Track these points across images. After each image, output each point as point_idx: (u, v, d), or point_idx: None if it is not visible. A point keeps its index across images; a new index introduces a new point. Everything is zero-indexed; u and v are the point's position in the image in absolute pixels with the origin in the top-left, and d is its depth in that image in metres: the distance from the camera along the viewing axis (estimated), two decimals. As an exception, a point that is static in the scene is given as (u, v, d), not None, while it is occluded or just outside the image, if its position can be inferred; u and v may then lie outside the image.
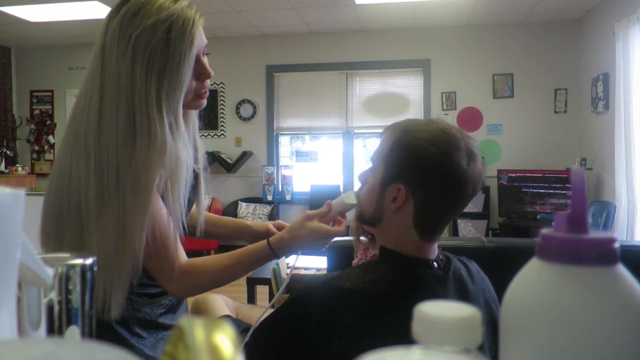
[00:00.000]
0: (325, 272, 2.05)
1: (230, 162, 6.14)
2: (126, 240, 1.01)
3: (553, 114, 5.76)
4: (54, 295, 0.48)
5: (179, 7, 1.03)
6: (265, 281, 2.89)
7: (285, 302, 0.98)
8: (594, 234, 0.35)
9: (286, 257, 3.09)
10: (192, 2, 1.08)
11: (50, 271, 0.47)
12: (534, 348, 0.34)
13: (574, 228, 0.35)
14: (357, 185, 1.12)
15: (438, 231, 0.98)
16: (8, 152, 6.60)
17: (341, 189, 6.15)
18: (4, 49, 6.74)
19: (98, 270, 0.99)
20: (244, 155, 6.20)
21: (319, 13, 5.43)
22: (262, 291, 3.23)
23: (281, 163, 6.43)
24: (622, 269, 0.34)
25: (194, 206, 1.34)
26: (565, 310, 0.33)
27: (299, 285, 0.99)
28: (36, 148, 6.86)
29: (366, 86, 6.20)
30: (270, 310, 1.13)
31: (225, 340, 0.27)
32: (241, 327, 1.42)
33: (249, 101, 6.32)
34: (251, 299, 2.96)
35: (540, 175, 5.26)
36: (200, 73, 1.09)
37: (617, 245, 0.35)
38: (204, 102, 1.16)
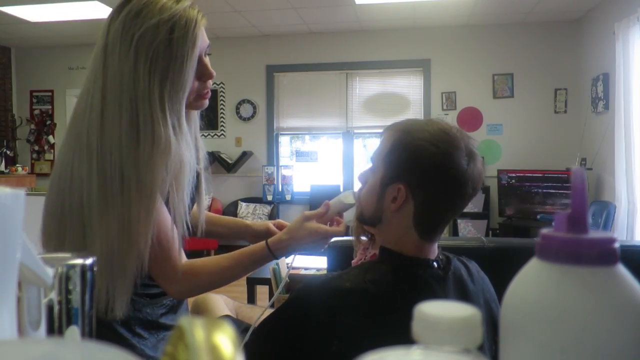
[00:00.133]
0: (325, 272, 2.06)
1: (230, 162, 6.14)
2: (131, 240, 1.01)
3: (553, 114, 5.76)
4: (54, 295, 0.48)
5: (182, 7, 1.03)
6: (265, 281, 2.89)
7: (285, 302, 0.98)
8: (594, 234, 0.35)
9: (286, 257, 3.10)
10: (194, 2, 1.08)
11: (50, 271, 0.47)
12: (534, 348, 0.34)
13: (574, 228, 0.35)
14: (357, 186, 1.12)
15: (438, 231, 0.98)
16: (8, 152, 6.60)
17: (341, 189, 6.14)
18: (4, 49, 6.74)
19: (101, 271, 1.00)
20: (244, 155, 6.20)
21: (319, 13, 5.43)
22: (262, 291, 3.23)
23: (281, 163, 6.43)
24: (622, 269, 0.34)
25: (195, 206, 1.34)
26: (565, 310, 0.33)
27: (299, 286, 0.99)
28: (36, 148, 6.86)
29: (366, 86, 6.20)
30: (270, 310, 1.14)
31: (225, 340, 0.27)
32: (241, 327, 1.42)
33: (249, 101, 6.32)
34: (251, 299, 2.96)
35: (540, 175, 5.26)
36: (203, 73, 1.09)
37: (617, 245, 0.35)
38: (206, 102, 1.16)
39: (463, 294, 0.97)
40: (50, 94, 6.85)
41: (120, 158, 1.01)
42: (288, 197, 6.17)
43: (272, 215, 5.96)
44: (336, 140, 6.37)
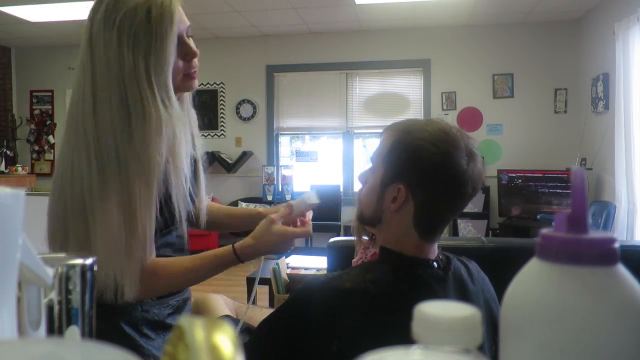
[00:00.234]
0: (325, 272, 2.06)
1: (230, 162, 6.15)
2: (133, 219, 1.02)
3: (553, 114, 5.76)
4: (54, 295, 0.48)
5: None
6: (265, 281, 2.90)
7: (285, 302, 0.98)
8: (594, 234, 0.35)
9: (286, 257, 3.09)
10: None
11: (50, 271, 0.47)
12: (534, 348, 0.34)
13: (574, 228, 0.35)
14: (357, 186, 1.12)
15: (438, 231, 0.98)
16: (8, 152, 6.60)
17: (341, 189, 6.15)
18: (4, 49, 6.74)
19: (106, 257, 1.00)
20: (244, 155, 6.20)
21: (319, 13, 5.43)
22: (262, 291, 3.23)
23: (281, 163, 6.43)
24: (622, 269, 0.34)
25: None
26: (565, 310, 0.33)
27: (299, 286, 0.99)
28: (36, 148, 6.86)
29: (366, 86, 6.21)
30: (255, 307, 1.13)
31: (225, 340, 0.27)
32: (241, 327, 1.42)
33: (249, 101, 6.32)
34: (251, 299, 2.96)
35: (540, 175, 5.27)
36: (186, 52, 1.12)
37: (617, 245, 0.35)
38: (195, 82, 1.18)
39: (463, 294, 0.97)
40: (50, 94, 6.85)
41: (115, 139, 1.03)
42: (288, 197, 6.17)
43: (272, 215, 5.96)
44: (336, 140, 6.37)
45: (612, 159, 4.40)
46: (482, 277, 1.06)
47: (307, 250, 5.80)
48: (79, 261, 0.50)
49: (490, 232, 5.53)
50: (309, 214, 1.24)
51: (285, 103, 6.36)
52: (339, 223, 5.88)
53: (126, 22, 1.05)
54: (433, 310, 0.32)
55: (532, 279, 0.36)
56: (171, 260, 1.14)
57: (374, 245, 1.07)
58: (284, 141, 6.53)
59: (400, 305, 0.86)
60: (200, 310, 1.58)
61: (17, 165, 6.48)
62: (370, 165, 1.04)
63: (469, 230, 5.52)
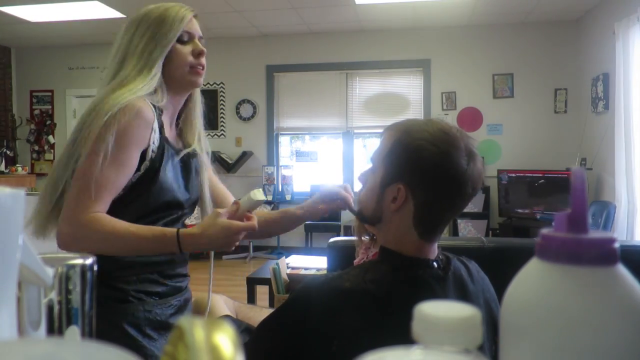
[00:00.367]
0: (325, 272, 2.06)
1: (230, 162, 6.15)
2: (89, 171, 1.12)
3: (553, 114, 5.76)
4: (54, 295, 0.48)
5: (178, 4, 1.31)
6: (265, 281, 2.90)
7: (285, 302, 0.98)
8: (594, 234, 0.35)
9: (286, 257, 3.09)
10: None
11: (50, 271, 0.47)
12: (534, 348, 0.34)
13: (574, 228, 0.35)
14: (357, 186, 1.12)
15: (438, 231, 0.98)
16: (8, 152, 6.60)
17: (341, 189, 6.13)
18: (4, 49, 6.74)
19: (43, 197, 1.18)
20: (244, 155, 6.20)
21: (319, 13, 5.43)
22: (262, 291, 3.23)
23: (281, 163, 6.43)
24: (622, 269, 0.34)
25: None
26: (565, 310, 0.33)
27: (299, 286, 0.99)
28: (36, 148, 6.86)
29: (366, 86, 6.21)
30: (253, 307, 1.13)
31: (225, 340, 0.27)
32: (241, 327, 1.42)
33: (249, 101, 6.32)
34: (251, 299, 2.96)
35: (540, 175, 5.26)
36: (194, 49, 1.27)
37: (617, 245, 0.35)
38: (200, 80, 1.29)
39: (463, 294, 0.97)
40: (50, 94, 6.85)
41: (96, 99, 1.20)
42: (288, 197, 6.17)
43: (272, 215, 5.96)
44: (336, 140, 6.37)
45: (612, 159, 4.40)
46: (482, 277, 1.06)
47: (307, 250, 5.80)
48: (79, 261, 0.50)
49: (490, 232, 5.53)
50: (255, 211, 1.23)
51: (285, 103, 6.36)
52: (339, 223, 5.88)
53: (145, 18, 1.25)
54: (433, 310, 0.32)
55: (532, 279, 0.36)
56: (116, 221, 1.13)
57: (375, 246, 1.07)
58: (284, 141, 6.53)
59: (400, 305, 0.86)
60: (201, 310, 1.57)
61: (17, 165, 6.48)
62: (370, 165, 1.04)
63: (469, 230, 5.52)
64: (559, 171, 5.23)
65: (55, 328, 0.49)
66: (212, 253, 1.38)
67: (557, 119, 5.73)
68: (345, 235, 5.70)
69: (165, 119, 1.28)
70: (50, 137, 6.82)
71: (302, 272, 2.83)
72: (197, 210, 1.43)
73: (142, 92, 1.19)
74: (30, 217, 1.19)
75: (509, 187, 5.42)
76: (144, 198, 1.21)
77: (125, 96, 1.16)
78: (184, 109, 1.37)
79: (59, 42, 6.50)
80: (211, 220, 1.12)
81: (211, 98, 6.14)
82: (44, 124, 6.85)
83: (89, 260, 0.51)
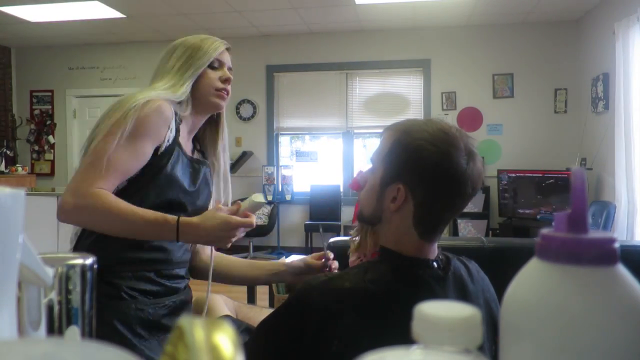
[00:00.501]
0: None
1: (230, 162, 6.13)
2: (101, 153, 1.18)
3: (553, 114, 5.76)
4: (54, 295, 0.48)
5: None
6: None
7: (285, 302, 0.98)
8: (594, 234, 0.35)
9: (286, 257, 3.08)
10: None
11: (50, 271, 0.47)
12: (534, 348, 0.34)
13: (574, 228, 0.35)
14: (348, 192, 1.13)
15: (438, 231, 0.98)
16: (8, 152, 6.60)
17: (341, 189, 6.15)
18: (4, 49, 6.74)
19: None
20: (244, 155, 6.20)
21: (319, 13, 5.43)
22: (262, 291, 3.22)
23: (281, 163, 6.43)
24: (622, 269, 0.34)
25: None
26: (565, 310, 0.33)
27: (299, 286, 0.99)
28: (36, 148, 6.85)
29: (366, 86, 6.20)
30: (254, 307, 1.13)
31: (225, 340, 0.27)
32: (241, 327, 1.42)
33: (249, 101, 6.32)
34: (251, 299, 2.96)
35: (540, 175, 5.26)
36: (222, 74, 1.38)
37: (617, 245, 0.35)
38: (222, 104, 1.40)
39: (463, 294, 0.97)
40: (50, 94, 6.84)
41: (123, 96, 1.29)
42: (288, 197, 6.17)
43: (272, 216, 5.96)
44: (336, 140, 6.37)
45: (612, 159, 4.40)
46: (482, 277, 1.06)
47: (307, 250, 5.80)
48: (79, 261, 0.50)
49: (490, 232, 5.53)
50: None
51: (285, 103, 6.36)
52: (339, 223, 5.88)
53: (180, 44, 1.38)
54: (433, 310, 0.32)
55: (532, 279, 0.36)
56: (115, 197, 1.15)
57: (374, 246, 1.07)
58: (284, 141, 6.53)
59: (400, 305, 0.86)
60: (201, 310, 1.57)
61: (17, 165, 6.48)
62: (370, 165, 1.04)
63: (469, 230, 5.52)
64: (559, 171, 5.23)
65: (55, 328, 0.49)
66: (212, 251, 1.39)
67: (557, 119, 5.73)
68: (345, 235, 5.69)
69: (183, 129, 1.35)
70: (50, 137, 6.82)
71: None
72: None
73: (167, 96, 1.27)
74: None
75: (509, 187, 5.41)
76: (146, 191, 1.24)
77: (151, 94, 1.24)
78: (207, 133, 1.48)
79: (59, 42, 6.50)
80: (211, 214, 1.15)
81: (211, 98, 6.13)
82: (44, 124, 6.85)
83: (89, 260, 0.51)
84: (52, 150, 6.83)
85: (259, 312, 1.58)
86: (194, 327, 0.27)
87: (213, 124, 1.49)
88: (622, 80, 4.23)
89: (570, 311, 0.33)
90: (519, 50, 5.76)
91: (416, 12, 5.40)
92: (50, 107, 6.86)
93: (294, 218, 6.26)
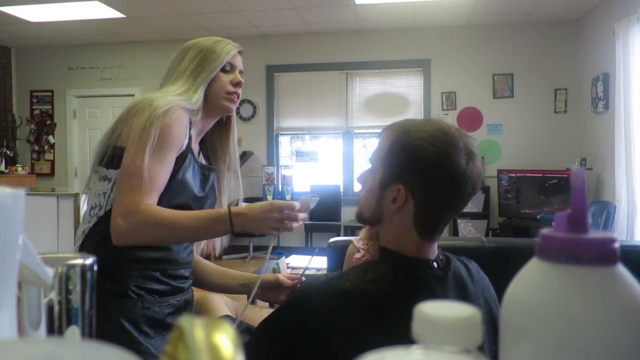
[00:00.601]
0: (325, 272, 2.05)
1: (231, 162, 6.14)
2: (140, 169, 1.20)
3: (553, 114, 5.76)
4: (54, 295, 0.48)
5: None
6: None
7: (285, 302, 0.98)
8: (594, 234, 0.35)
9: (286, 257, 3.09)
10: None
11: (50, 271, 0.47)
12: (534, 348, 0.34)
13: (574, 228, 0.35)
14: (357, 186, 1.13)
15: (438, 231, 0.98)
16: (8, 152, 6.60)
17: (341, 189, 6.15)
18: (4, 49, 6.74)
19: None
20: (244, 155, 6.20)
21: (319, 13, 5.43)
22: (262, 291, 3.23)
23: (281, 163, 6.43)
24: (622, 269, 0.34)
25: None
26: (565, 310, 0.33)
27: (299, 286, 0.99)
28: (36, 148, 6.85)
29: (366, 86, 6.20)
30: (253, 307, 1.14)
31: (225, 340, 0.27)
32: (241, 327, 1.42)
33: (249, 101, 6.32)
34: (251, 299, 2.96)
35: (540, 175, 5.26)
36: (233, 78, 1.38)
37: (617, 245, 0.35)
38: (232, 107, 1.39)
39: (463, 294, 0.97)
40: (50, 94, 6.84)
41: (138, 99, 1.30)
42: (288, 197, 6.17)
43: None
44: (336, 140, 6.37)
45: (612, 159, 4.40)
46: (482, 277, 1.06)
47: (307, 250, 5.80)
48: (79, 261, 0.50)
49: (490, 232, 5.53)
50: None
51: (285, 103, 6.36)
52: (339, 223, 5.88)
53: (193, 45, 1.37)
54: (433, 310, 0.32)
55: (532, 279, 0.36)
56: (163, 208, 1.18)
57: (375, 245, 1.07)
58: (284, 141, 6.53)
59: (400, 305, 0.86)
60: (201, 310, 1.58)
61: (17, 165, 6.48)
62: (369, 166, 1.04)
63: (469, 230, 5.52)
64: (559, 171, 5.23)
65: (55, 328, 0.49)
66: (266, 260, 1.43)
67: (557, 119, 5.73)
68: (345, 235, 5.69)
69: (193, 133, 1.35)
70: (50, 137, 6.82)
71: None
72: None
73: (184, 104, 1.28)
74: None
75: (509, 187, 5.42)
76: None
77: (169, 99, 1.25)
78: (216, 135, 1.48)
79: (59, 42, 6.50)
80: (260, 202, 1.21)
81: (211, 98, 6.14)
82: (44, 124, 6.85)
83: (89, 260, 0.51)
84: (52, 150, 6.83)
85: (259, 312, 1.58)
86: (194, 327, 0.27)
87: (223, 125, 1.48)
88: (622, 80, 4.23)
89: (570, 311, 0.33)
90: (519, 50, 5.76)
91: (416, 12, 5.40)
92: (50, 107, 6.86)
93: (294, 218, 6.25)
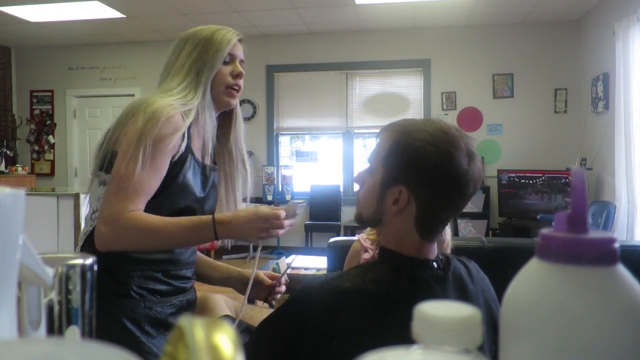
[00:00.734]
0: (325, 272, 2.05)
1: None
2: (129, 176, 1.19)
3: (553, 114, 5.76)
4: (54, 295, 0.48)
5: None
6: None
7: (285, 302, 0.98)
8: (594, 234, 0.35)
9: (286, 257, 3.09)
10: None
11: (50, 271, 0.47)
12: (534, 348, 0.34)
13: (574, 228, 0.35)
14: (357, 187, 1.12)
15: (438, 231, 0.98)
16: (8, 152, 6.60)
17: (341, 189, 6.15)
18: (4, 49, 6.74)
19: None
20: (244, 155, 6.19)
21: (319, 13, 5.43)
22: (262, 291, 3.23)
23: (281, 163, 6.43)
24: (622, 269, 0.34)
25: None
26: (565, 310, 0.33)
27: (299, 286, 0.99)
28: (36, 148, 6.85)
29: (366, 86, 6.20)
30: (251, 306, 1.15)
31: (225, 340, 0.27)
32: (241, 327, 1.42)
33: (249, 101, 6.32)
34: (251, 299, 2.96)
35: (540, 175, 5.26)
36: (233, 70, 1.33)
37: (617, 245, 0.35)
38: (233, 101, 1.36)
39: (463, 294, 0.97)
40: (50, 94, 6.84)
41: (137, 101, 1.26)
42: (288, 197, 6.17)
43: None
44: (336, 140, 6.37)
45: (612, 159, 4.40)
46: (482, 277, 1.06)
47: (307, 250, 5.80)
48: (79, 261, 0.50)
49: (490, 232, 5.53)
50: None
51: (285, 103, 6.36)
52: (339, 223, 5.88)
53: (191, 37, 1.32)
54: (433, 310, 0.32)
55: (532, 279, 0.36)
56: (148, 214, 1.17)
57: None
58: (284, 141, 6.53)
59: (400, 305, 0.86)
60: (201, 310, 1.58)
61: (17, 165, 6.48)
62: (367, 165, 1.03)
63: (469, 230, 5.52)
64: (559, 171, 5.23)
65: (55, 328, 0.49)
66: (257, 253, 1.41)
67: (557, 119, 5.73)
68: (345, 235, 5.69)
69: (194, 131, 1.32)
70: (50, 137, 6.82)
71: (302, 272, 2.83)
72: None
73: (183, 107, 1.24)
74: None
75: (509, 187, 5.41)
76: (159, 201, 1.23)
77: (165, 103, 1.21)
78: (221, 131, 1.43)
79: (59, 42, 6.50)
80: (245, 209, 1.20)
81: (211, 98, 6.14)
82: (44, 124, 6.85)
83: (89, 260, 0.51)
84: (52, 150, 6.83)
85: (259, 312, 1.58)
86: (194, 327, 0.27)
87: (227, 119, 1.44)
88: (622, 80, 4.23)
89: (570, 311, 0.33)
90: (519, 50, 5.76)
91: (416, 12, 5.40)
92: (50, 107, 6.86)
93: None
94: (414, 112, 6.02)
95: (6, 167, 6.36)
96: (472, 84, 5.89)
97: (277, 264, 2.75)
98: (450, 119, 5.71)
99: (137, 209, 1.16)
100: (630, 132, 4.11)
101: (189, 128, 1.28)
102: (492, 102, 5.87)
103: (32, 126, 6.84)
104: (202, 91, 1.28)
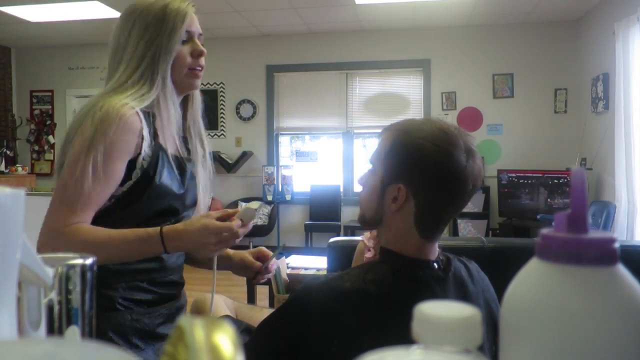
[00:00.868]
0: (325, 272, 2.05)
1: (230, 162, 6.14)
2: (70, 183, 1.10)
3: (553, 114, 5.76)
4: (54, 295, 0.48)
5: None
6: (265, 281, 2.89)
7: (285, 302, 0.98)
8: (594, 234, 0.35)
9: (286, 257, 3.09)
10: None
11: (50, 271, 0.47)
12: (534, 348, 0.34)
13: (574, 228, 0.35)
14: (357, 187, 1.13)
15: (439, 230, 0.98)
16: (8, 152, 6.60)
17: (341, 189, 6.15)
18: (4, 49, 6.74)
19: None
20: (244, 155, 6.20)
21: (318, 13, 5.43)
22: (262, 291, 3.23)
23: (281, 163, 6.43)
24: (622, 269, 0.34)
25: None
26: (565, 310, 0.33)
27: (299, 286, 0.99)
28: (36, 148, 6.85)
29: (366, 86, 6.20)
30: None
31: (225, 340, 0.27)
32: (241, 327, 1.42)
33: (249, 101, 6.32)
34: (251, 299, 2.96)
35: (540, 175, 5.26)
36: (194, 49, 1.22)
37: (617, 245, 0.35)
38: (198, 82, 1.25)
39: (463, 294, 0.97)
40: (50, 94, 6.84)
41: (90, 103, 1.16)
42: (288, 197, 6.17)
43: (272, 216, 5.96)
44: (336, 140, 6.37)
45: (612, 159, 4.40)
46: (482, 277, 1.06)
47: (307, 250, 5.80)
48: (79, 261, 0.50)
49: (490, 232, 5.53)
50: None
51: (285, 103, 6.36)
52: (339, 223, 5.88)
53: (142, 15, 1.18)
54: (433, 310, 0.32)
55: (532, 279, 0.36)
56: (92, 227, 1.09)
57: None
58: (284, 141, 6.53)
59: (400, 305, 0.86)
60: (200, 310, 1.57)
61: (17, 165, 6.48)
62: (370, 167, 1.04)
63: (469, 230, 5.52)
64: (559, 171, 5.23)
65: (55, 328, 0.49)
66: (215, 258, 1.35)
67: (557, 119, 5.73)
68: (345, 235, 5.69)
69: (160, 123, 1.22)
70: (50, 137, 6.82)
71: (302, 272, 2.83)
72: None
73: (141, 103, 1.14)
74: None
75: (509, 187, 5.42)
76: (137, 206, 1.17)
77: (117, 104, 1.11)
78: (184, 113, 1.32)
79: (59, 42, 6.50)
80: (196, 219, 1.11)
81: (211, 98, 6.14)
82: (44, 124, 6.85)
83: (89, 260, 0.51)
84: (52, 150, 6.82)
85: (259, 312, 1.58)
86: (194, 327, 0.27)
87: (185, 106, 1.31)
88: (622, 80, 4.23)
89: (570, 311, 0.33)
90: (519, 50, 5.76)
91: (416, 12, 5.40)
92: (50, 107, 6.86)
93: (294, 218, 6.26)
94: (414, 112, 6.02)
95: (6, 167, 6.36)
96: (472, 84, 5.89)
97: (277, 264, 2.75)
98: (450, 119, 5.70)
99: (82, 221, 1.08)
100: (630, 132, 4.11)
101: (153, 122, 1.19)
102: (492, 102, 5.88)
103: (32, 126, 6.84)
104: (162, 79, 1.16)
